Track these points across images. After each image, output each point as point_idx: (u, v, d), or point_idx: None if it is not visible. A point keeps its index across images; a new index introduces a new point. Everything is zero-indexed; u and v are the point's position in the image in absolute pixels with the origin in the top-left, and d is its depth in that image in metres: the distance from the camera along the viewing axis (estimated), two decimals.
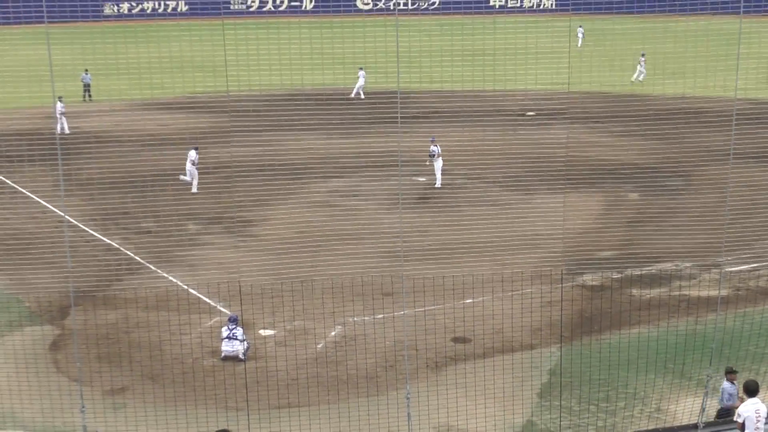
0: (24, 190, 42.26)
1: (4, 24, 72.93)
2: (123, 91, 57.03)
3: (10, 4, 68.31)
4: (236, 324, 26.29)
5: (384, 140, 43.31)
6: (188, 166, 43.65)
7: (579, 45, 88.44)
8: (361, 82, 66.90)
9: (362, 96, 66.36)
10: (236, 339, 26.16)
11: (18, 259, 32.62)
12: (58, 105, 53.32)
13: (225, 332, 26.37)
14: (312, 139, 51.36)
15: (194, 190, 43.24)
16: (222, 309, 28.98)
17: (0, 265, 33.64)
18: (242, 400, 23.27)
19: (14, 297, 30.31)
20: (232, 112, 52.30)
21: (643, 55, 69.98)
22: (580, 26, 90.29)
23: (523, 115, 58.21)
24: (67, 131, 54.42)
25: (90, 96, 67.53)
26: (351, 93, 66.72)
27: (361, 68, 65.83)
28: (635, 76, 70.43)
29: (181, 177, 43.90)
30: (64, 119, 54.80)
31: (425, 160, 43.91)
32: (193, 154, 43.74)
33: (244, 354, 26.10)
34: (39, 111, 54.45)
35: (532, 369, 25.20)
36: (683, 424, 21.26)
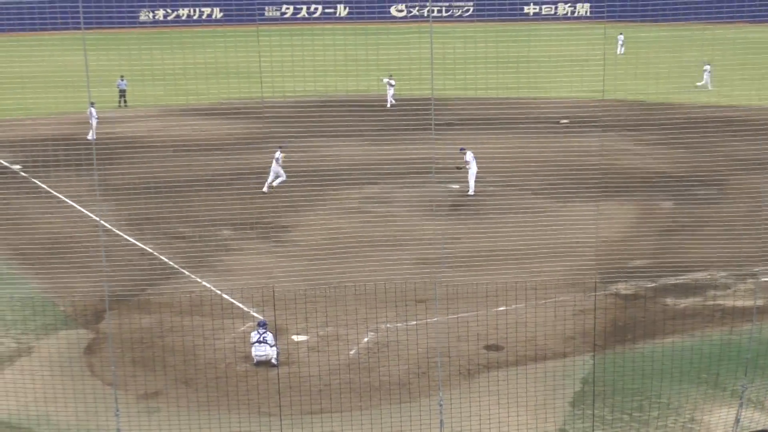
0: (60, 195, 42.52)
1: (41, 30, 73.44)
2: (158, 98, 57.41)
3: (47, 11, 68.80)
4: (266, 328, 26.31)
5: (418, 147, 43.42)
6: (273, 166, 44.15)
7: (620, 52, 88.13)
8: (391, 90, 66.95)
9: (393, 102, 66.35)
10: (266, 343, 26.17)
11: (54, 264, 32.81)
12: (92, 110, 53.66)
13: (255, 337, 26.39)
14: (345, 145, 51.40)
15: (265, 189, 43.75)
16: (255, 314, 29.01)
17: (36, 269, 33.87)
18: (275, 405, 23.28)
19: (50, 301, 30.48)
20: (266, 119, 52.49)
21: (708, 63, 68.78)
22: (621, 33, 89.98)
23: (557, 123, 58.08)
24: (92, 137, 54.58)
25: (125, 102, 67.91)
26: (387, 104, 66.70)
27: (390, 75, 65.85)
28: (701, 83, 69.33)
29: (266, 187, 44.31)
30: (95, 125, 55.05)
31: (458, 168, 43.76)
32: (278, 154, 44.19)
33: (276, 359, 26.12)
34: (75, 117, 54.88)
35: (564, 378, 25.08)
36: None
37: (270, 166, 43.89)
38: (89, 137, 53.26)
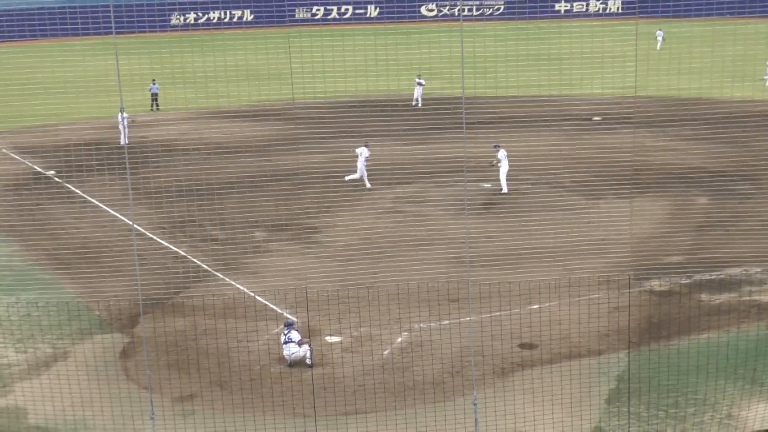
0: (93, 200, 42.80)
1: (73, 35, 73.91)
2: (190, 101, 57.65)
3: (79, 16, 69.27)
4: (290, 328, 26.36)
5: (449, 146, 43.42)
6: (359, 164, 44.68)
7: (658, 48, 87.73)
8: (419, 90, 66.95)
9: (420, 104, 66.38)
10: (292, 342, 26.23)
11: (88, 268, 33.04)
12: (124, 115, 53.96)
13: (282, 338, 26.49)
14: (377, 146, 51.45)
15: (368, 185, 44.60)
16: (288, 316, 29.11)
17: (70, 273, 34.11)
18: (309, 406, 23.36)
19: (85, 305, 30.69)
20: (297, 120, 52.63)
21: None
22: (660, 29, 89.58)
23: (590, 120, 57.93)
24: (124, 142, 54.89)
25: (158, 106, 68.27)
26: (417, 104, 66.71)
27: (420, 75, 65.85)
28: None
29: (347, 178, 45.17)
30: (125, 130, 55.38)
31: (491, 164, 43.72)
32: (365, 151, 44.72)
33: (310, 359, 26.19)
34: (108, 121, 55.21)
35: (599, 375, 25.02)
36: (755, 430, 21.00)
37: (356, 163, 44.98)
38: (122, 142, 53.57)
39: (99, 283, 31.59)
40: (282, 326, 26.92)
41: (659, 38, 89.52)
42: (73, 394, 24.14)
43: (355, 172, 44.81)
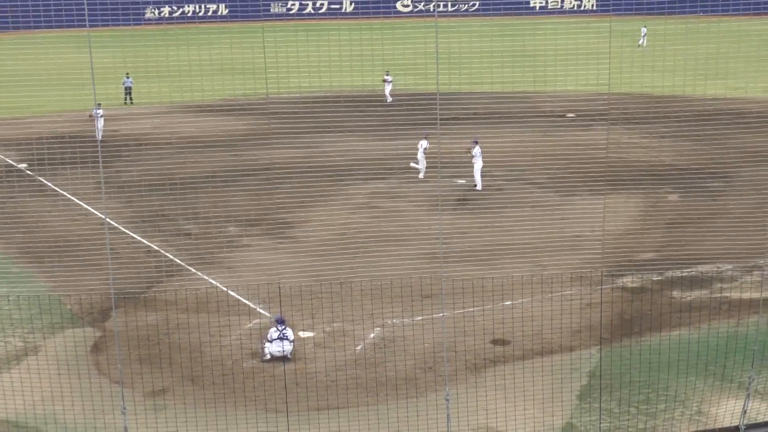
0: (65, 193, 42.61)
1: (46, 28, 73.51)
2: (164, 95, 57.43)
3: (52, 9, 68.89)
4: (285, 325, 26.38)
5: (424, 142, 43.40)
6: (419, 154, 45.20)
7: (645, 45, 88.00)
8: (388, 87, 67.16)
9: (390, 99, 66.51)
10: (287, 339, 26.23)
11: (60, 262, 32.90)
12: (99, 111, 53.90)
13: (275, 334, 26.42)
14: (351, 141, 51.44)
15: (421, 176, 45.21)
16: (261, 311, 29.09)
17: (42, 267, 33.95)
18: (282, 402, 23.35)
19: (56, 299, 30.56)
20: (271, 115, 52.53)
21: None
22: (644, 26, 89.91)
23: (564, 116, 58.07)
24: (99, 137, 54.74)
25: (131, 100, 68.02)
26: (387, 99, 66.87)
27: (387, 72, 66.00)
28: None
29: (412, 164, 45.84)
30: (101, 125, 55.26)
31: (466, 161, 43.82)
32: (424, 143, 45.04)
33: (291, 354, 26.20)
34: (81, 114, 54.93)
35: (571, 371, 25.11)
36: (725, 426, 21.11)
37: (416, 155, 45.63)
38: (98, 137, 53.51)
39: (71, 277, 31.42)
40: (274, 322, 26.83)
41: (643, 34, 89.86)
42: (43, 388, 24.04)
43: (417, 161, 45.73)
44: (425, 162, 45.20)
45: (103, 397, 23.32)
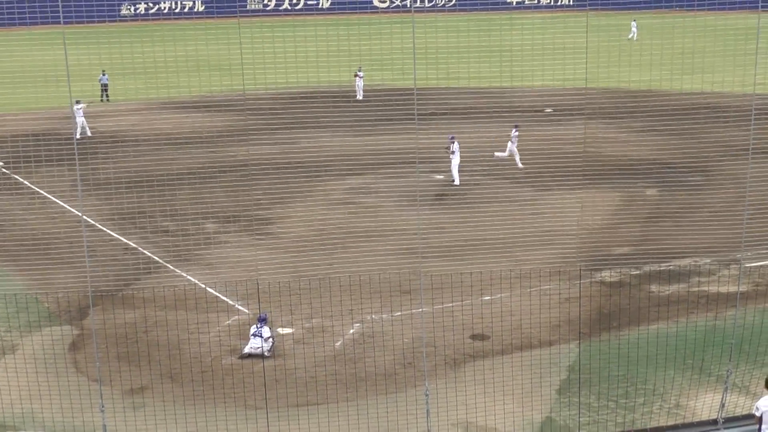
0: (42, 191, 42.45)
1: (21, 25, 73.22)
2: (140, 92, 57.35)
3: (27, 6, 68.57)
4: (264, 323, 26.40)
5: (401, 138, 43.42)
6: (510, 144, 45.66)
7: (633, 38, 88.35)
8: (360, 83, 67.30)
9: (361, 96, 66.62)
10: (260, 337, 26.25)
11: (37, 260, 32.77)
12: (78, 109, 53.97)
13: (252, 330, 26.49)
14: (329, 137, 51.44)
15: (519, 165, 45.65)
16: (240, 308, 29.07)
17: (19, 265, 33.82)
18: (261, 398, 23.34)
19: (33, 297, 30.45)
20: (248, 111, 52.48)
21: None
22: (634, 20, 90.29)
23: (541, 111, 58.21)
24: (84, 134, 54.74)
25: (107, 97, 67.80)
26: (358, 95, 67.00)
27: (360, 68, 66.12)
28: None
29: (497, 154, 46.22)
30: (82, 121, 55.29)
31: (444, 156, 43.93)
32: (514, 132, 45.52)
33: (269, 351, 26.21)
34: (56, 112, 54.73)
35: (550, 366, 25.18)
36: (703, 419, 21.24)
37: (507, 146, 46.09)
38: (78, 135, 53.62)
39: (48, 275, 31.35)
40: (256, 319, 26.88)
41: (634, 29, 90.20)
42: (21, 387, 23.94)
43: (503, 150, 46.18)
44: (516, 150, 45.57)
45: (82, 395, 23.27)
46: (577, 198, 35.72)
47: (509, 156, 45.73)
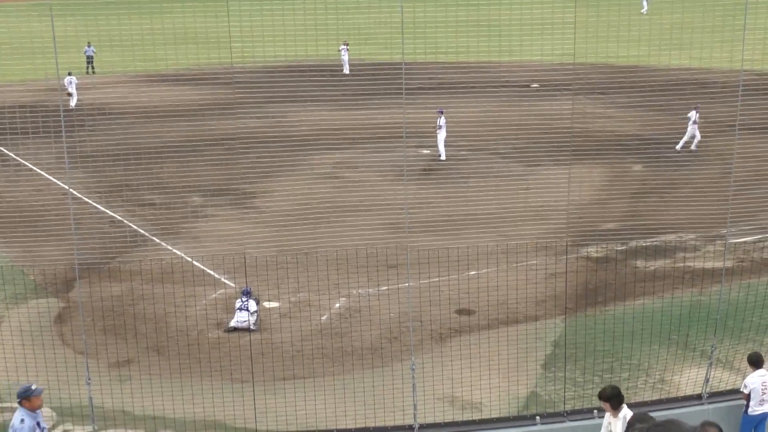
0: (28, 164, 42.35)
1: None
2: (126, 64, 57.06)
3: None
4: (249, 296, 26.43)
5: (388, 112, 43.32)
6: (691, 127, 45.05)
7: (646, 12, 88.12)
8: (345, 56, 67.21)
9: (347, 70, 66.55)
10: (246, 310, 26.29)
11: (23, 233, 32.73)
12: (73, 78, 54.30)
13: (237, 304, 26.54)
14: (316, 111, 51.36)
15: (693, 147, 44.80)
16: (226, 281, 29.09)
17: (5, 238, 33.77)
18: (247, 372, 23.33)
19: (19, 270, 30.43)
20: (235, 85, 52.32)
21: None
22: None
23: (528, 87, 58.17)
24: (69, 105, 54.79)
25: (93, 69, 67.54)
26: (345, 69, 66.95)
27: (345, 42, 66.05)
28: None
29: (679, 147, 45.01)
30: (75, 92, 55.51)
31: (431, 131, 43.92)
32: (694, 115, 44.89)
33: (255, 324, 26.26)
34: (42, 84, 54.49)
35: (536, 340, 25.28)
36: (687, 394, 21.36)
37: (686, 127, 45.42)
38: (73, 105, 53.87)
39: (34, 248, 31.32)
40: (240, 292, 26.89)
41: (645, 3, 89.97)
42: (7, 359, 23.91)
43: (695, 137, 45.32)
44: (698, 133, 44.85)
45: (68, 367, 23.23)
46: (564, 173, 35.69)
47: (690, 139, 45.14)
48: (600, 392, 16.62)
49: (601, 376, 23.48)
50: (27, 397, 15.93)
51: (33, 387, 15.96)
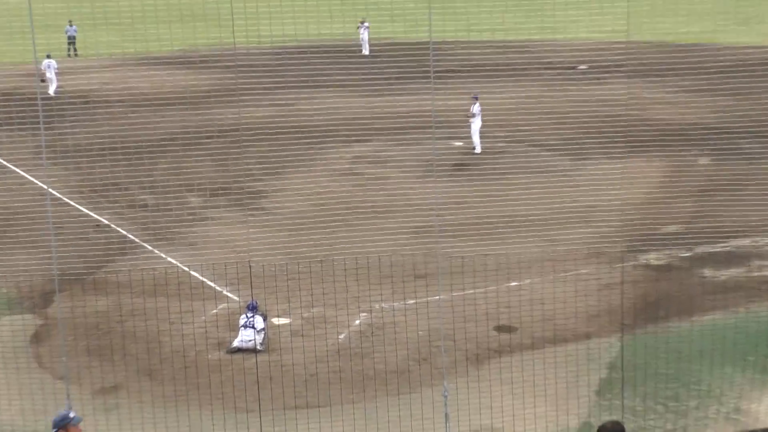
0: (0, 159, 42.40)
1: None
2: (113, 45, 57.21)
3: None
4: (255, 312, 26.29)
5: (415, 99, 43.19)
6: None
7: None
8: (365, 35, 67.26)
9: (367, 51, 66.63)
10: (253, 328, 26.14)
11: None
12: (52, 62, 54.48)
13: (242, 320, 26.41)
14: (332, 98, 51.27)
15: None
16: (229, 294, 28.94)
17: None
18: (253, 399, 23.23)
19: None
20: (238, 69, 52.22)
21: None
22: None
23: (575, 69, 57.98)
24: (47, 93, 54.94)
25: (75, 51, 67.66)
26: (364, 49, 67.01)
27: (363, 20, 66.11)
28: None
29: None
30: (55, 78, 55.69)
31: (464, 121, 43.76)
32: None
33: (262, 344, 26.09)
34: (18, 68, 54.63)
35: (588, 362, 25.03)
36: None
37: None
38: (51, 92, 54.04)
39: (7, 256, 31.31)
40: (244, 308, 26.76)
41: None
42: None
43: None
44: None
45: (46, 394, 23.17)
46: (618, 168, 35.45)
47: None
48: (600, 427, 16.02)
49: (665, 404, 23.17)
50: (64, 427, 15.60)
51: (71, 415, 15.64)
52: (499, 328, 26.98)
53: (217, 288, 29.55)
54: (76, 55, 67.54)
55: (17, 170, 40.83)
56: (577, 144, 41.71)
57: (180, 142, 43.62)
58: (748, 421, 22.24)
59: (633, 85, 48.88)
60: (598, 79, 51.99)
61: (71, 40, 67.92)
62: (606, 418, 22.71)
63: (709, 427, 22.12)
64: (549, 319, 26.79)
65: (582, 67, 58.34)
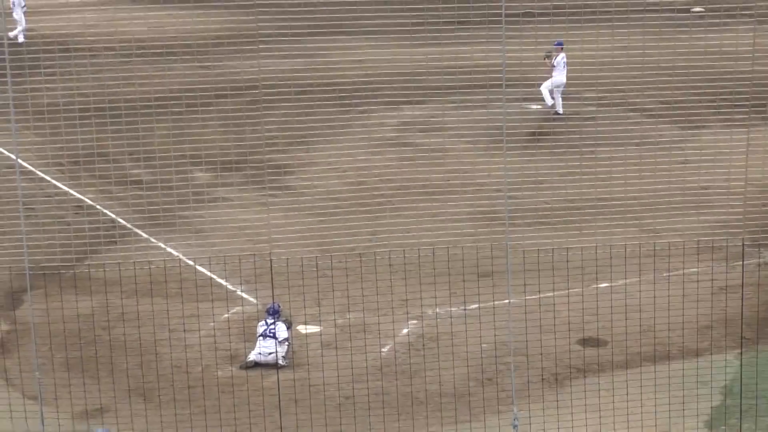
0: None
1: None
2: None
3: None
4: (277, 317, 26.48)
5: (480, 49, 43.19)
6: None
7: None
8: None
9: None
10: (274, 338, 26.35)
11: None
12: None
13: (261, 329, 26.58)
14: (374, 48, 51.30)
15: None
16: (244, 295, 29.16)
17: None
18: (274, 427, 23.45)
19: None
20: (258, 10, 52.48)
21: None
22: None
23: (688, 11, 57.80)
24: (16, 36, 55.28)
25: None
26: None
27: None
28: None
29: None
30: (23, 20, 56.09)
31: (542, 78, 43.78)
32: None
33: (285, 358, 26.30)
34: None
35: (698, 386, 25.07)
36: None
37: None
38: (12, 35, 54.24)
39: None
40: (264, 312, 26.99)
41: None
42: None
43: None
44: None
45: (14, 418, 23.46)
46: (741, 140, 35.44)
47: None
48: None
49: None
50: None
51: None
52: (584, 342, 27.15)
53: (230, 287, 29.80)
54: None
55: None
56: (687, 108, 41.65)
57: (184, 102, 43.87)
58: None
59: (762, 33, 48.80)
60: (718, 25, 51.89)
61: None
62: None
63: None
64: (648, 331, 26.91)
65: (697, 9, 58.22)
